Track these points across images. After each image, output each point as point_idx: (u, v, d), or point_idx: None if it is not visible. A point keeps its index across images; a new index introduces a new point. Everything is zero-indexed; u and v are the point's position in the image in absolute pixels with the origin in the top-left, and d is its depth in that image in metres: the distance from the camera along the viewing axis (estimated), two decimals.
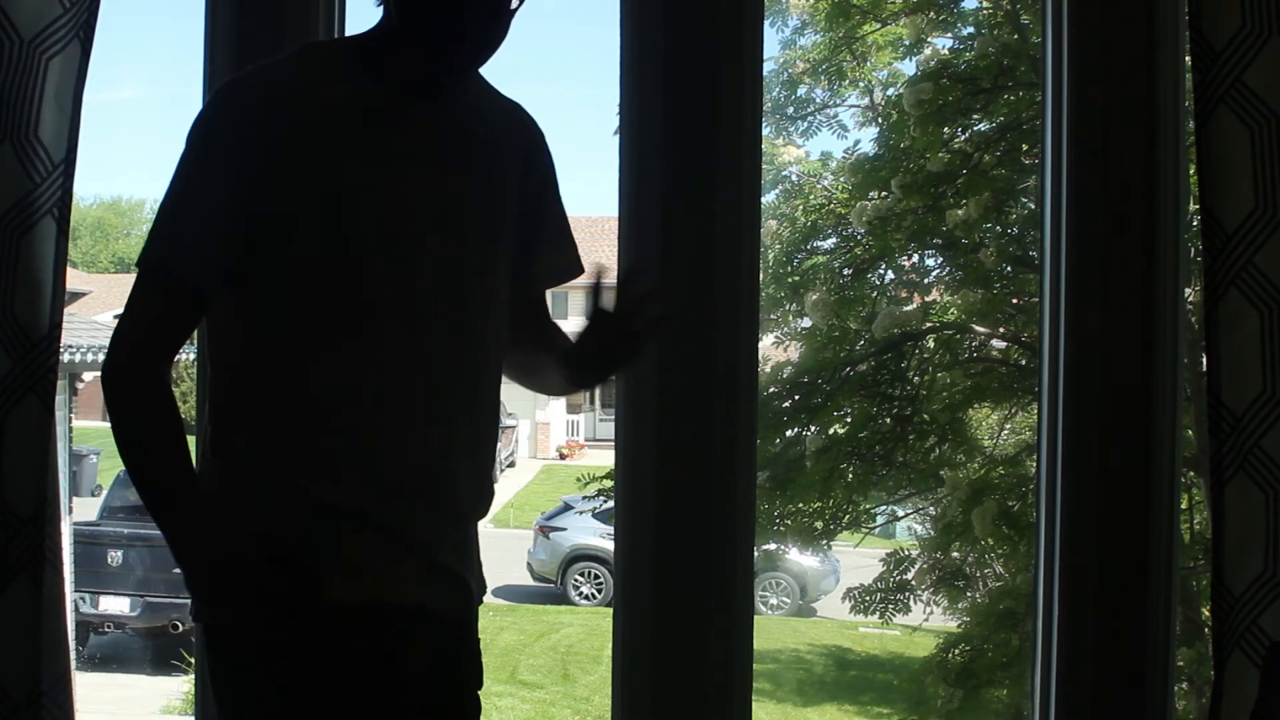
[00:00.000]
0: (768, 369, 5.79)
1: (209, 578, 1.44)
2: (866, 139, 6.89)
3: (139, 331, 1.43)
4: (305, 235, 1.42)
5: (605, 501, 6.34)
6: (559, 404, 17.05)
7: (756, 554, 2.32)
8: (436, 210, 1.47)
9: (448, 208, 1.49)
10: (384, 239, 1.44)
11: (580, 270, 1.65)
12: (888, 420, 5.66)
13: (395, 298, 1.45)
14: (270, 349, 1.45)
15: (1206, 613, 4.44)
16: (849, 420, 5.71)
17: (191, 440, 1.51)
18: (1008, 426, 6.10)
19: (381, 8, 1.49)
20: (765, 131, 4.74)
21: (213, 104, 1.47)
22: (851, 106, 6.09)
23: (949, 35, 5.70)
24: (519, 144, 1.60)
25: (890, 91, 5.93)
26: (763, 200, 3.56)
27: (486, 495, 1.57)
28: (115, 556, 8.11)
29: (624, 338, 1.55)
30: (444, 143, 1.50)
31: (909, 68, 5.79)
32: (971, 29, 5.66)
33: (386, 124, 1.46)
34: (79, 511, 8.30)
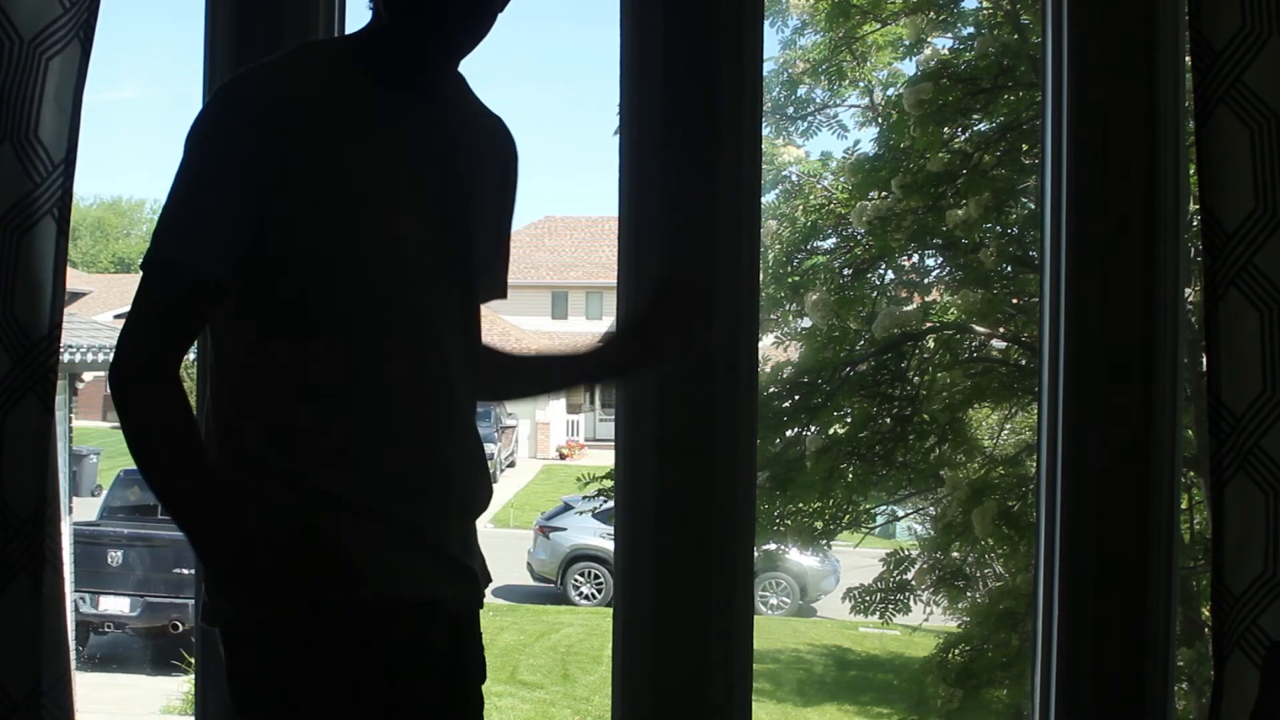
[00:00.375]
0: (768, 369, 5.79)
1: (244, 573, 1.43)
2: (866, 139, 6.90)
3: (150, 331, 1.42)
4: (309, 232, 1.42)
5: (605, 501, 6.34)
6: (559, 404, 17.04)
7: (756, 554, 2.32)
8: (430, 207, 1.49)
9: (439, 206, 1.50)
10: (384, 235, 1.45)
11: (504, 294, 1.69)
12: (888, 420, 5.67)
13: (395, 293, 1.46)
14: (277, 349, 1.45)
15: (1206, 613, 4.44)
16: (849, 420, 5.72)
17: None
18: (1008, 426, 6.10)
19: (371, 9, 1.50)
20: (765, 131, 4.74)
21: (215, 103, 1.46)
22: (851, 106, 6.09)
23: (949, 35, 5.71)
24: (500, 156, 1.63)
25: (890, 91, 5.93)
26: (763, 200, 3.56)
27: (487, 489, 1.59)
28: (115, 556, 8.11)
29: (651, 343, 1.65)
30: (437, 144, 1.52)
31: (909, 68, 5.80)
32: (971, 29, 5.67)
33: (384, 122, 1.47)
34: (79, 511, 8.31)
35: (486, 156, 1.59)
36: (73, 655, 1.78)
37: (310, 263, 1.43)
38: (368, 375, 1.45)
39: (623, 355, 1.68)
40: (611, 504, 5.51)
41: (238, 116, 1.42)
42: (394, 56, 1.48)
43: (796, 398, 5.70)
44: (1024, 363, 5.64)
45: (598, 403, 17.42)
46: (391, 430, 1.46)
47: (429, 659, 1.48)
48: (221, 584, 1.45)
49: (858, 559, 6.76)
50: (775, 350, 6.10)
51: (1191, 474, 4.78)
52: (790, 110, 6.02)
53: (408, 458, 1.48)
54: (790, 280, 5.88)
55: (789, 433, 5.72)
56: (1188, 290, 3.18)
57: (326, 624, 1.41)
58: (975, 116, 5.67)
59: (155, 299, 1.43)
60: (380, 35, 1.49)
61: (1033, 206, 5.42)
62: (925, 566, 5.79)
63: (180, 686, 7.30)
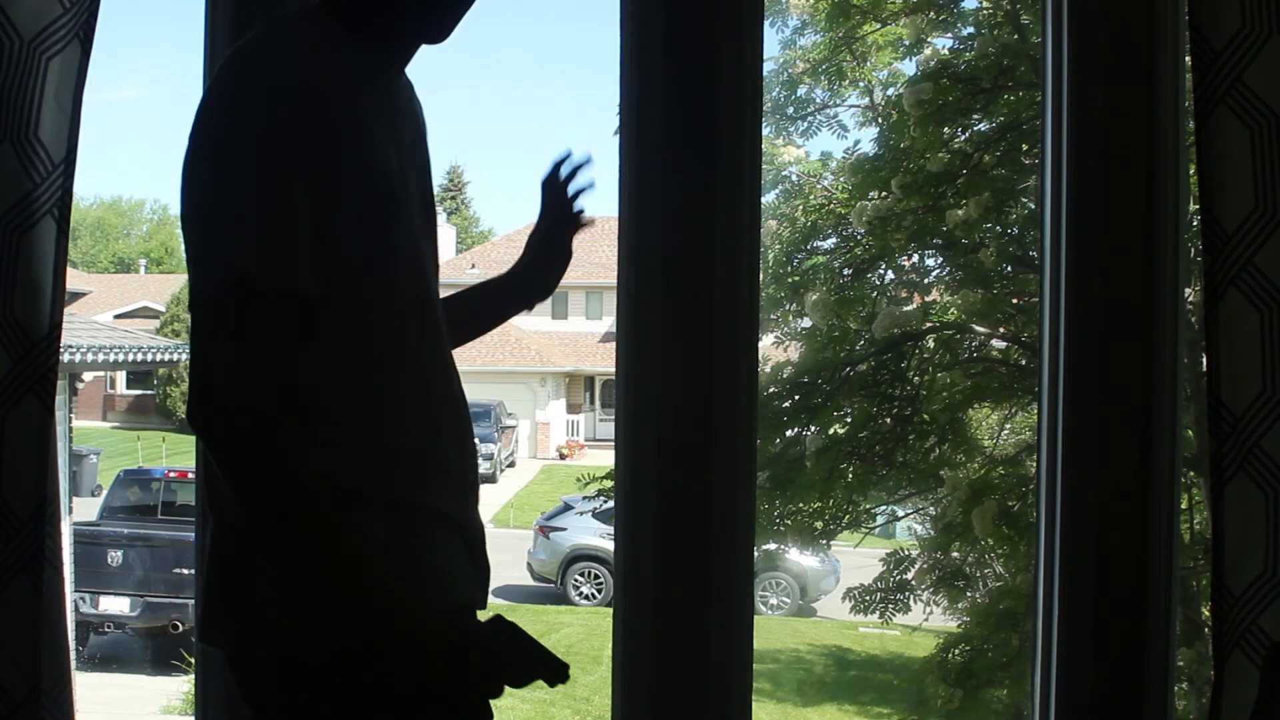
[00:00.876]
0: (768, 369, 5.80)
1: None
2: (866, 139, 6.91)
3: (268, 368, 1.23)
4: (358, 228, 1.31)
5: (605, 501, 6.35)
6: (559, 404, 17.05)
7: (756, 554, 2.32)
8: (419, 190, 1.45)
9: (425, 187, 1.47)
10: (410, 224, 1.39)
11: None
12: (888, 420, 5.67)
13: (418, 286, 1.41)
14: (334, 361, 1.32)
15: (1206, 613, 4.44)
16: (849, 420, 5.72)
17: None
18: (1008, 426, 6.11)
19: None
20: (765, 131, 4.75)
21: (249, 94, 1.28)
22: (851, 106, 6.10)
23: (949, 35, 5.71)
24: (425, 125, 1.57)
25: (890, 91, 5.94)
26: (763, 200, 3.56)
27: None
28: (115, 556, 8.13)
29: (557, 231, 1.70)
30: (416, 126, 1.47)
31: (909, 68, 5.81)
32: (971, 29, 5.68)
33: (391, 105, 1.41)
34: (79, 511, 8.32)
35: (425, 130, 1.53)
36: (73, 655, 1.78)
37: (358, 261, 1.32)
38: (415, 375, 1.39)
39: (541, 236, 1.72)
40: (611, 504, 5.52)
41: (280, 106, 1.26)
42: (389, 35, 1.40)
43: (796, 398, 5.71)
44: (1024, 363, 5.64)
45: (598, 403, 17.42)
46: (436, 430, 1.41)
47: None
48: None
49: (858, 559, 6.77)
50: (775, 350, 6.11)
51: (1191, 474, 4.78)
52: (790, 110, 6.03)
53: (452, 458, 1.43)
54: (790, 280, 5.88)
55: (789, 433, 5.72)
56: (1188, 290, 3.18)
57: (393, 643, 1.28)
58: (975, 116, 5.68)
59: (242, 325, 1.24)
60: (359, 11, 1.38)
61: (1033, 206, 5.42)
62: (925, 566, 5.80)
63: (180, 686, 7.31)
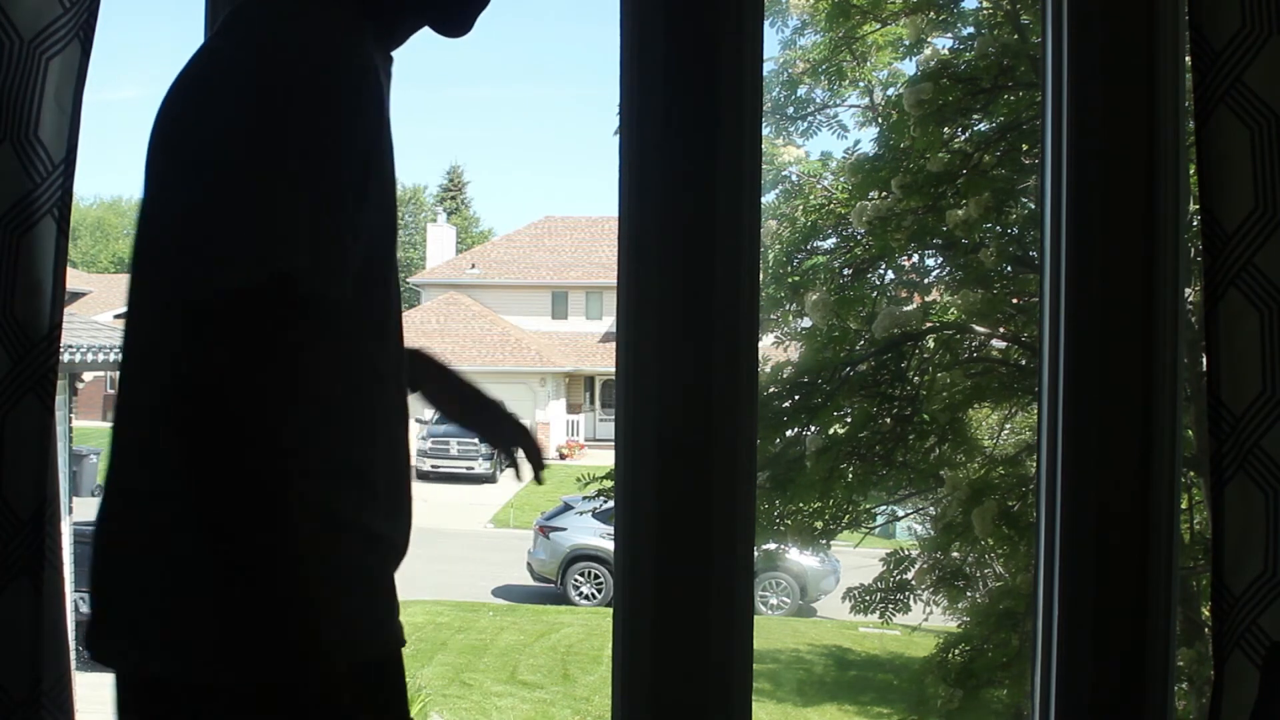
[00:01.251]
0: (768, 369, 5.80)
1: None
2: (866, 139, 6.93)
3: (276, 376, 1.11)
4: (371, 224, 1.21)
5: (605, 501, 6.35)
6: (559, 404, 17.05)
7: (756, 554, 2.32)
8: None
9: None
10: (396, 225, 1.30)
11: None
12: (888, 420, 5.68)
13: (396, 298, 1.34)
14: (322, 375, 1.20)
15: (1206, 613, 4.44)
16: (849, 420, 5.73)
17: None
18: (1008, 426, 6.11)
19: None
20: (765, 131, 4.75)
21: (282, 81, 1.15)
22: (851, 106, 6.10)
23: (949, 35, 5.72)
24: None
25: (890, 91, 5.95)
26: (763, 200, 3.56)
27: None
28: None
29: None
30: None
31: (909, 68, 5.81)
32: (971, 29, 5.68)
33: (388, 94, 1.34)
34: (79, 511, 8.31)
35: None
36: (73, 655, 1.78)
37: (363, 266, 1.21)
38: (384, 395, 1.30)
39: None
40: (611, 504, 5.52)
41: (323, 88, 1.14)
42: (399, 18, 1.32)
43: (796, 398, 5.71)
44: (1024, 363, 5.65)
45: (598, 403, 17.43)
46: (401, 456, 1.32)
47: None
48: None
49: (858, 559, 6.77)
50: (775, 350, 6.11)
51: (1191, 474, 4.78)
52: (790, 110, 6.03)
53: (409, 485, 1.35)
54: (790, 280, 5.89)
55: (789, 433, 5.73)
56: (1188, 290, 3.18)
57: (325, 688, 1.14)
58: (975, 116, 5.68)
59: (260, 329, 1.11)
60: None
61: (1033, 206, 5.43)
62: (925, 566, 5.80)
63: None
